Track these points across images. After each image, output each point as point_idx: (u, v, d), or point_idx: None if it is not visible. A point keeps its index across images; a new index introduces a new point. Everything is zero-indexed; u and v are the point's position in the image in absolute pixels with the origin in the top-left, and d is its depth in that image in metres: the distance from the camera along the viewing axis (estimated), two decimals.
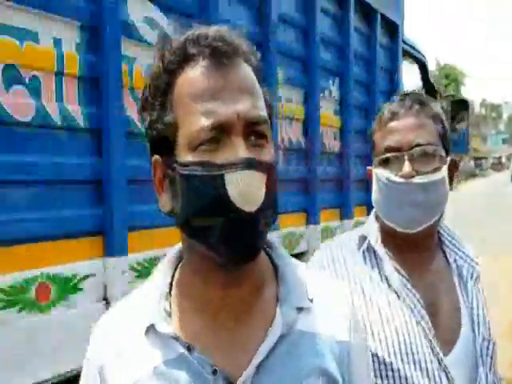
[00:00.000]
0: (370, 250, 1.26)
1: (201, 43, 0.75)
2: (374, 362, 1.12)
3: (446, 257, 1.29)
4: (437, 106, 1.26)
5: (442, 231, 1.32)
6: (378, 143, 1.25)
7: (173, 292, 0.83)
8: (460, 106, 6.46)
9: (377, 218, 1.31)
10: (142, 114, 0.80)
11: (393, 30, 5.04)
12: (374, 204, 1.27)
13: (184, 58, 0.76)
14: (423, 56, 6.24)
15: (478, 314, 1.22)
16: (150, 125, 0.78)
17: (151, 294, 0.82)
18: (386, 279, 1.21)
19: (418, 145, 1.18)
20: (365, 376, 0.88)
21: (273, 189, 0.75)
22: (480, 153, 59.88)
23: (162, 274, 0.85)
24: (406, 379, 1.13)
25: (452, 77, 43.52)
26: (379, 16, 4.60)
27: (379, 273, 1.23)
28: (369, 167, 1.31)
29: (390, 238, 1.26)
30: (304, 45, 3.61)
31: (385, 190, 1.21)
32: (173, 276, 0.85)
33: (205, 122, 0.72)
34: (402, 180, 1.17)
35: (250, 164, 0.72)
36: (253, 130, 0.75)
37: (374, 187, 1.25)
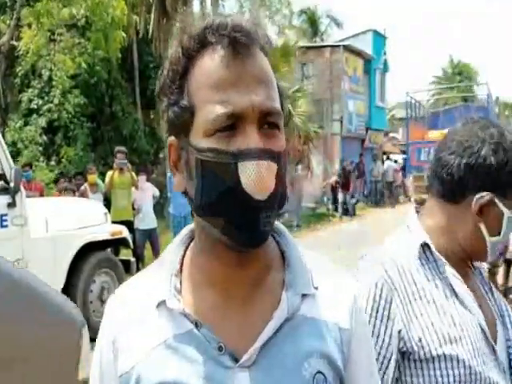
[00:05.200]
0: (431, 258, 1.23)
1: (220, 32, 0.76)
2: (460, 367, 1.13)
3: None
4: None
5: None
6: None
7: (184, 270, 0.86)
8: None
9: None
10: (160, 97, 0.82)
11: None
12: None
13: (202, 45, 0.77)
14: None
15: (505, 310, 1.28)
16: (168, 107, 0.80)
17: (163, 270, 0.85)
18: (451, 286, 1.20)
19: None
20: (365, 365, 0.89)
21: (283, 177, 0.78)
22: None
23: (173, 253, 0.87)
24: (489, 379, 1.15)
25: (465, 75, 43.10)
26: None
27: (441, 280, 1.21)
28: None
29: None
30: None
31: None
32: (183, 255, 0.87)
33: (221, 110, 0.74)
34: None
35: (263, 154, 0.74)
36: (266, 120, 0.77)
37: None
